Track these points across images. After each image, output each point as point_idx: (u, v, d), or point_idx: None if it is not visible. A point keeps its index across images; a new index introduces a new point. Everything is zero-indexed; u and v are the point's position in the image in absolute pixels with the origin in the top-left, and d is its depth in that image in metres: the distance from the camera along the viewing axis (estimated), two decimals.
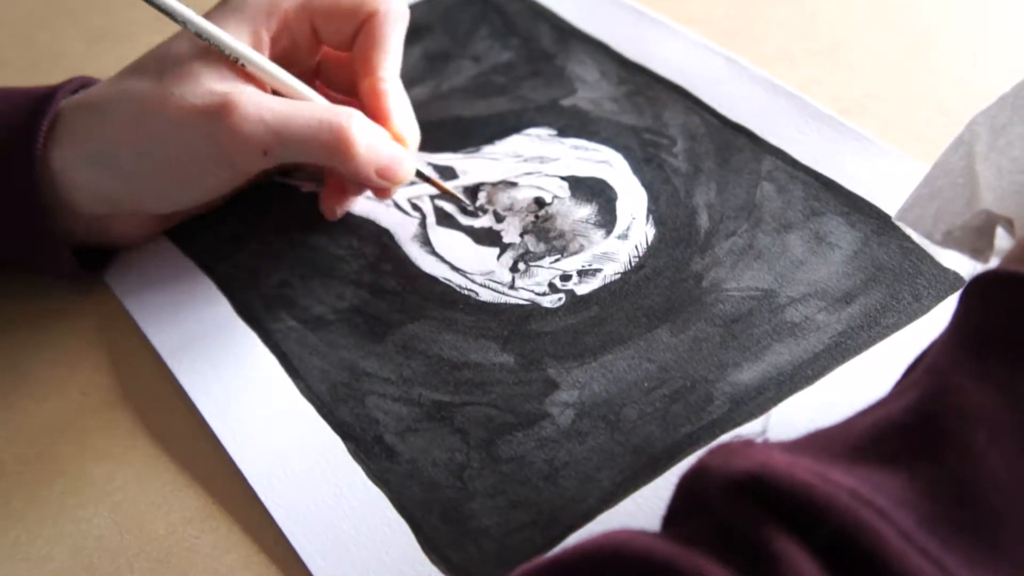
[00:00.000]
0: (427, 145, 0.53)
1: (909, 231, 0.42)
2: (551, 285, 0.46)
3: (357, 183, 0.49)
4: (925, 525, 0.26)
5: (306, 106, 0.45)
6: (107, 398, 0.46)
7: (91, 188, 0.47)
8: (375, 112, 0.48)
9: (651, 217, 0.48)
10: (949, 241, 0.36)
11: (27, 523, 0.42)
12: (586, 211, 0.49)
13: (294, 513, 0.40)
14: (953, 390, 0.28)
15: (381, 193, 0.50)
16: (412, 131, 0.49)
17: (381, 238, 0.50)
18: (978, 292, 0.31)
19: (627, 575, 0.27)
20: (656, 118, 0.53)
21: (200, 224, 0.52)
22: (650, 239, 0.47)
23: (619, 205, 0.49)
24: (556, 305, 0.46)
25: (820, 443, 0.30)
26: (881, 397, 0.31)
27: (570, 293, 0.46)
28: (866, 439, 0.29)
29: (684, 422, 0.41)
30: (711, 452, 0.29)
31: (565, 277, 0.46)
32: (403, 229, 0.50)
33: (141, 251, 0.51)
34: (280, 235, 0.51)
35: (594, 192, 0.50)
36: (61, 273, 0.49)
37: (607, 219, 0.48)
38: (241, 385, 0.45)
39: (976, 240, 0.36)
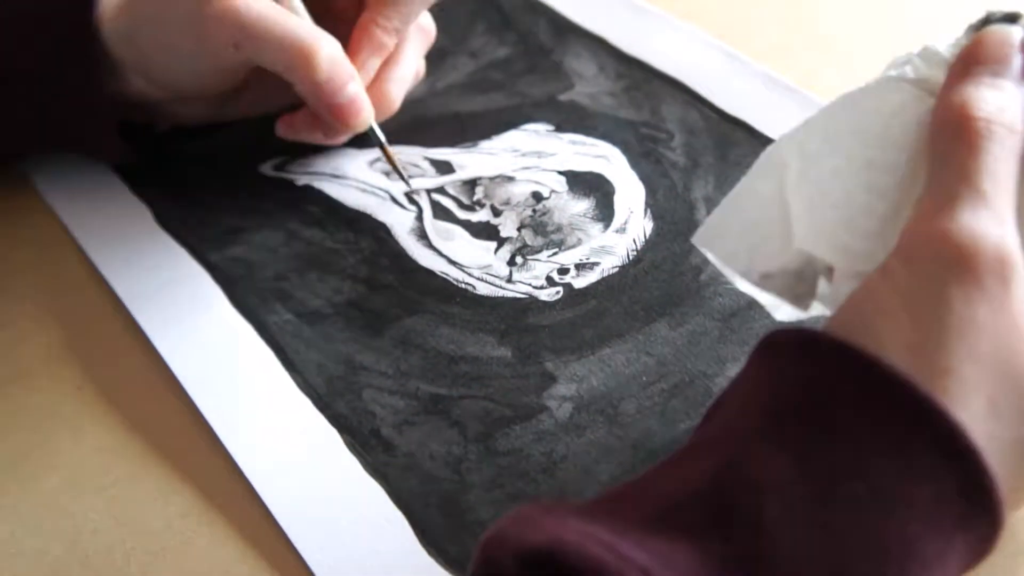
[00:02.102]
0: (425, 140, 0.53)
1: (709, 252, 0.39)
2: (549, 279, 0.46)
3: (312, 117, 0.50)
4: None
5: (291, 17, 0.46)
6: (102, 391, 0.46)
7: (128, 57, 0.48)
8: (352, 47, 0.48)
9: (649, 211, 0.48)
10: (767, 284, 0.35)
11: (22, 517, 0.42)
12: (584, 205, 0.49)
13: (291, 506, 0.40)
14: (748, 460, 0.28)
15: (330, 134, 0.50)
16: (381, 88, 0.49)
17: (378, 232, 0.50)
18: (773, 354, 0.31)
19: None
20: (654, 112, 0.52)
21: (196, 216, 0.52)
22: (648, 233, 0.47)
23: (617, 199, 0.49)
24: (554, 299, 0.45)
25: (617, 507, 0.29)
26: (682, 450, 0.31)
27: (568, 287, 0.46)
28: (663, 507, 0.29)
29: (683, 417, 0.40)
30: (508, 518, 0.29)
31: (563, 271, 0.46)
32: (400, 223, 0.50)
33: (137, 243, 0.51)
34: (276, 228, 0.51)
35: (592, 186, 0.50)
36: (108, 150, 0.51)
37: (605, 213, 0.48)
38: (237, 378, 0.45)
39: (795, 285, 0.35)
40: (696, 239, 0.37)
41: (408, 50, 0.50)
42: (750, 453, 0.28)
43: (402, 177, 0.51)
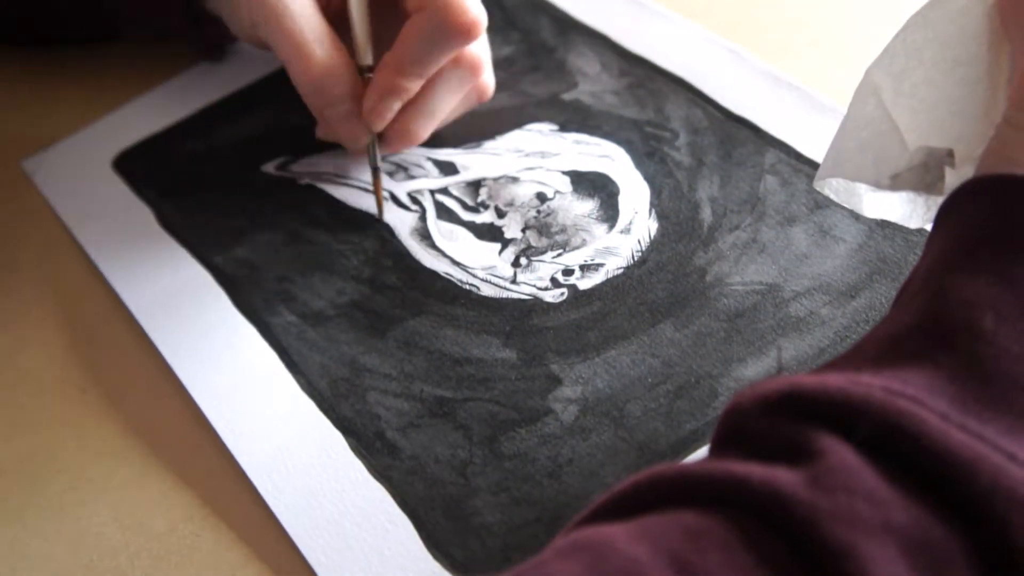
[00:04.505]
0: (428, 140, 0.53)
1: (832, 190, 0.41)
2: (553, 280, 0.46)
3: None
4: (958, 406, 0.27)
5: (309, 17, 0.47)
6: (106, 395, 0.46)
7: None
8: (370, 86, 0.48)
9: (654, 211, 0.48)
10: (898, 183, 0.37)
11: (26, 521, 0.42)
12: (588, 206, 0.49)
13: (296, 510, 0.40)
14: (953, 287, 0.30)
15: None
16: (399, 120, 0.49)
17: (381, 232, 0.49)
18: (959, 203, 0.32)
19: (670, 496, 0.28)
20: (658, 111, 0.52)
21: (198, 217, 0.52)
22: (653, 233, 0.47)
23: (621, 199, 0.49)
24: (558, 300, 0.45)
25: (841, 362, 0.31)
26: (883, 318, 0.32)
27: (572, 288, 0.45)
28: (883, 347, 0.30)
29: (688, 418, 0.40)
30: (741, 391, 0.30)
31: (567, 272, 0.46)
32: (403, 223, 0.50)
33: (140, 244, 0.51)
34: (279, 229, 0.51)
35: (596, 187, 0.49)
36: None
37: (609, 214, 0.48)
38: (241, 381, 0.44)
39: (924, 176, 0.38)
40: (816, 180, 0.39)
41: (438, 87, 0.49)
42: (952, 282, 0.30)
43: (379, 209, 0.50)
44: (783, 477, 0.26)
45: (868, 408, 0.27)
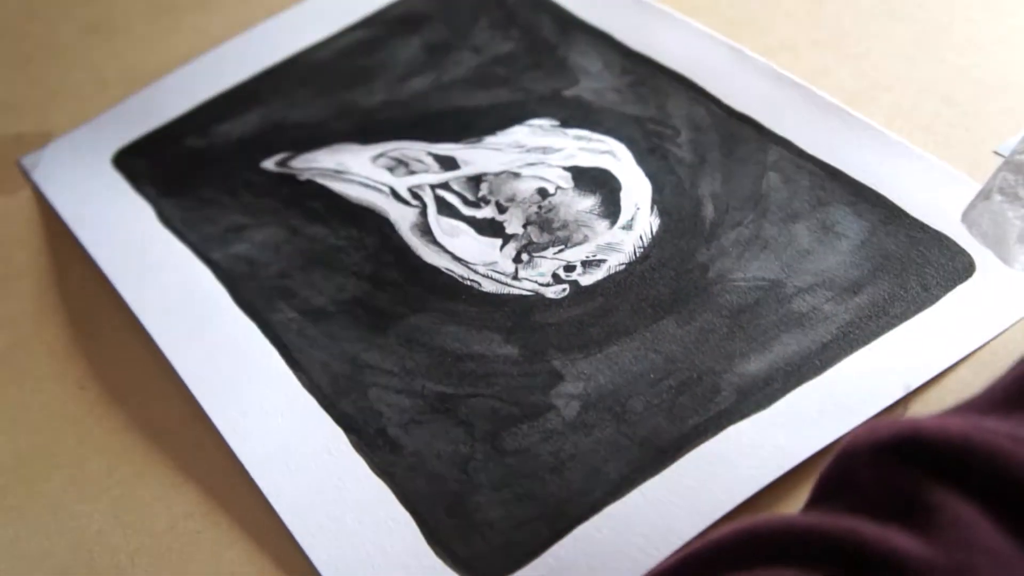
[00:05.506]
0: (428, 136, 0.53)
1: (980, 232, 0.40)
2: (555, 276, 0.46)
3: None
4: None
5: None
6: (106, 391, 0.45)
7: None
8: None
9: (656, 207, 0.48)
10: None
11: (26, 518, 0.41)
12: (590, 202, 0.48)
13: (297, 507, 0.40)
14: None
15: None
16: None
17: (382, 228, 0.49)
18: None
19: (769, 551, 0.26)
20: (660, 108, 0.52)
21: (198, 214, 0.51)
22: (655, 229, 0.47)
23: (623, 196, 0.48)
24: (560, 296, 0.45)
25: (966, 406, 0.29)
26: (1016, 361, 0.30)
27: (574, 284, 0.45)
28: (1012, 392, 0.28)
29: (691, 414, 0.40)
30: (854, 432, 0.28)
31: (569, 268, 0.46)
32: (404, 219, 0.50)
33: (139, 241, 0.51)
34: (279, 225, 0.50)
35: (598, 183, 0.49)
36: None
37: (611, 210, 0.48)
38: (242, 377, 0.44)
39: None
40: (964, 216, 0.39)
41: None
42: None
43: None
44: (899, 538, 0.25)
45: (991, 457, 0.25)
